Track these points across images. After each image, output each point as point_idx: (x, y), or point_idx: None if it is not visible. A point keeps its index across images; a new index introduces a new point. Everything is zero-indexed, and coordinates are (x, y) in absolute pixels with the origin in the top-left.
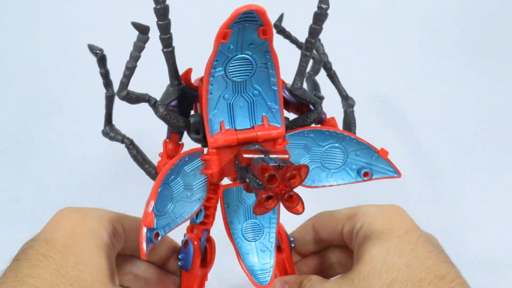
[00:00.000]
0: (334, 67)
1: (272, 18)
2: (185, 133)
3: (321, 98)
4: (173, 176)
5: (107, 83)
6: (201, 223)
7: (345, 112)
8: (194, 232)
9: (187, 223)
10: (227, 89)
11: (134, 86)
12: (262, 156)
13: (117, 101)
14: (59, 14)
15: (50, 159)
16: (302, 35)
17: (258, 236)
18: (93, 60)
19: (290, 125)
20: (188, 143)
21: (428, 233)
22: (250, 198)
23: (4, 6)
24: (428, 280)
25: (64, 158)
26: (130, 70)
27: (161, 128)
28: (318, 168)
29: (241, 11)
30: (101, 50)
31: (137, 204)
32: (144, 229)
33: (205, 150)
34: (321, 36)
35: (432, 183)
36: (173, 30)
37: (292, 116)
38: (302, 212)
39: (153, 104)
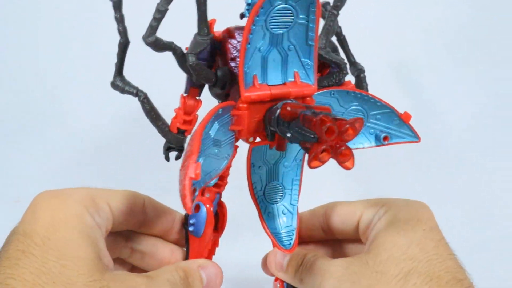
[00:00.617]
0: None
1: None
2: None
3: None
4: (205, 130)
5: (122, 29)
6: (215, 185)
7: (357, 77)
8: (206, 195)
9: None
10: (264, 41)
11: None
12: (310, 110)
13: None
14: (59, 14)
15: (50, 159)
16: None
17: (281, 198)
18: (94, 60)
19: None
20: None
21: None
22: (274, 159)
23: (4, 6)
24: (446, 280)
25: (64, 158)
26: (161, 13)
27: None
28: None
29: None
30: None
31: None
32: (189, 182)
33: None
34: None
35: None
36: None
37: None
38: (351, 168)
39: (179, 54)
